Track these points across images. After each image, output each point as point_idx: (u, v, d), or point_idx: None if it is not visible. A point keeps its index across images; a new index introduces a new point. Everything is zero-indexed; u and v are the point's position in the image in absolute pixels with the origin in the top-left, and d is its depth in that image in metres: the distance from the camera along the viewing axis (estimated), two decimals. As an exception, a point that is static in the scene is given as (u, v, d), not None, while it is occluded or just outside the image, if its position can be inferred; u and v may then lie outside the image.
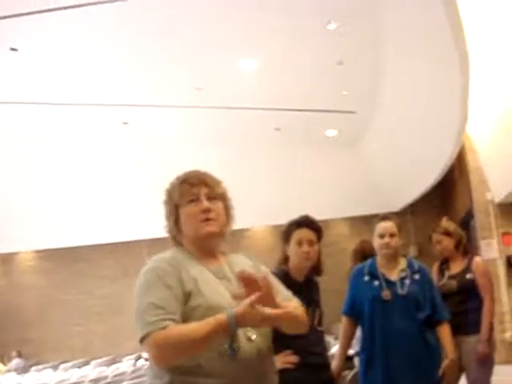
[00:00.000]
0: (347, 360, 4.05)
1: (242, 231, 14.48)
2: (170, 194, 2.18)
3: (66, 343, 16.00)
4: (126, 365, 11.15)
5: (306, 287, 3.16)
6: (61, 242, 15.40)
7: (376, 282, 3.60)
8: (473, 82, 7.68)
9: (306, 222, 3.33)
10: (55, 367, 12.90)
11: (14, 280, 16.75)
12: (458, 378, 4.16)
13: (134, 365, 11.08)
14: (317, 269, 3.37)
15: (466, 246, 4.83)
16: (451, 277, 4.62)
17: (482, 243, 10.14)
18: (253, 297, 1.77)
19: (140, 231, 15.01)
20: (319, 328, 3.25)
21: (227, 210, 2.20)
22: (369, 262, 3.75)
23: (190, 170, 2.22)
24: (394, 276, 3.60)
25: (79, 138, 13.18)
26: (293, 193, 13.85)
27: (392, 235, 3.61)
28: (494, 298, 4.67)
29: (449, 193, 13.75)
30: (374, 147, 13.15)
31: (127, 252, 16.21)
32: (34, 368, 12.80)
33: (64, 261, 16.47)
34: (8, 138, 12.49)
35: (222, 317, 1.79)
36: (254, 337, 1.96)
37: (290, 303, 2.11)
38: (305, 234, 3.29)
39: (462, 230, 11.11)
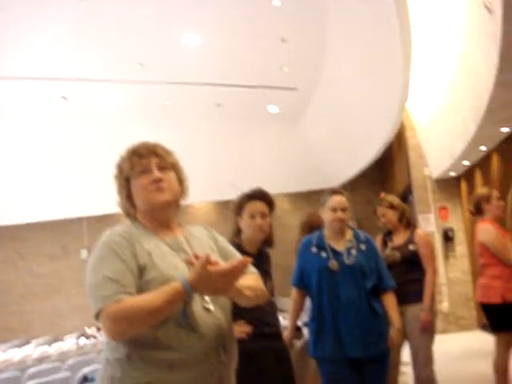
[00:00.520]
0: (296, 330, 4.12)
1: (183, 207, 14.33)
2: (120, 167, 2.11)
3: (3, 323, 15.67)
4: (68, 343, 11.01)
5: (258, 259, 3.17)
6: (-2, 220, 15.01)
7: (323, 253, 3.65)
8: (414, 62, 7.81)
9: (258, 195, 3.34)
10: (-6, 347, 12.64)
11: None
12: (401, 346, 4.28)
13: (77, 343, 10.96)
14: (269, 241, 3.41)
15: (409, 219, 4.99)
16: (394, 248, 4.76)
17: (420, 217, 10.41)
18: (201, 259, 1.75)
19: (80, 208, 14.76)
20: (271, 298, 3.29)
21: (180, 180, 2.16)
22: (316, 234, 3.78)
23: (140, 142, 2.17)
24: (340, 247, 3.65)
25: (16, 113, 12.81)
26: (234, 169, 13.87)
27: (344, 209, 3.67)
28: (435, 268, 4.83)
29: (387, 169, 14.03)
30: (315, 124, 13.25)
31: (66, 230, 15.94)
32: (-29, 349, 12.51)
33: (1, 239, 16.07)
34: None
35: (176, 284, 1.78)
36: (212, 308, 1.96)
37: (250, 276, 2.10)
38: (257, 206, 3.31)
39: (402, 204, 11.26)
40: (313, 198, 14.96)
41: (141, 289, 1.87)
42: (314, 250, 3.69)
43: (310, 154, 14.19)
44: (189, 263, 1.84)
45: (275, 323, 3.37)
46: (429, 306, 4.55)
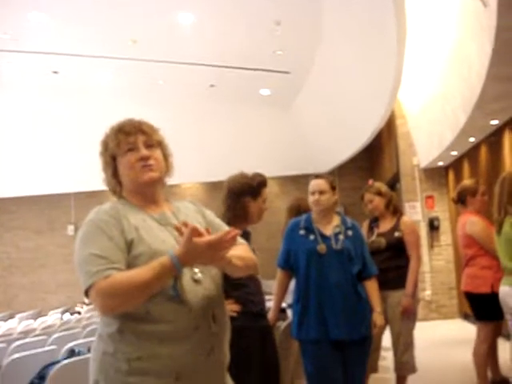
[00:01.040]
0: (281, 311, 4.17)
1: (171, 187, 14.42)
2: (105, 144, 2.11)
3: (-13, 296, 15.69)
4: (52, 318, 11.03)
5: (244, 237, 3.22)
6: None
7: (311, 236, 3.69)
8: (407, 51, 7.82)
9: (266, 182, 3.54)
10: (-22, 320, 12.64)
11: None
12: (382, 331, 4.34)
13: (61, 318, 10.99)
14: None
15: (396, 206, 5.04)
16: (380, 234, 4.83)
17: (407, 205, 10.48)
18: (187, 231, 1.76)
19: (68, 184, 14.73)
20: (257, 277, 3.34)
21: (165, 157, 2.16)
22: (304, 216, 3.83)
23: (125, 119, 2.15)
24: (328, 231, 3.70)
25: (6, 86, 12.73)
26: (224, 150, 13.87)
27: (322, 192, 3.70)
28: (420, 256, 4.90)
29: (376, 156, 14.08)
30: (307, 108, 13.26)
31: (54, 205, 15.91)
32: (-46, 321, 12.49)
33: (-14, 213, 16.03)
34: None
35: (164, 259, 1.79)
36: (200, 276, 1.97)
37: (239, 246, 2.11)
38: (266, 193, 3.52)
39: (389, 192, 11.27)
40: (301, 182, 14.98)
41: (129, 264, 1.88)
42: (301, 232, 3.73)
43: (300, 139, 14.20)
44: (178, 230, 1.84)
45: (261, 302, 3.43)
46: (411, 293, 4.62)
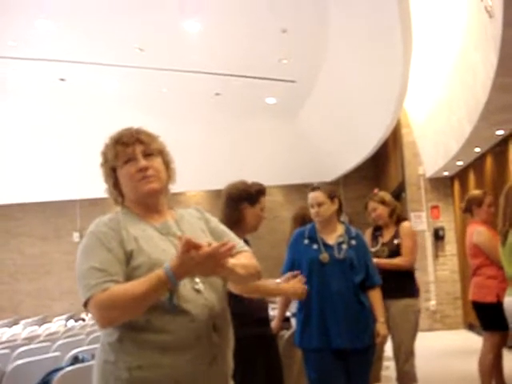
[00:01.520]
0: (285, 321, 4.18)
1: (176, 195, 14.43)
2: (105, 156, 2.11)
3: (-8, 302, 15.72)
4: (56, 325, 11.05)
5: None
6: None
7: (315, 246, 3.71)
8: (413, 60, 7.83)
9: (265, 191, 3.54)
10: (-18, 326, 12.66)
11: None
12: (385, 341, 4.34)
13: (65, 325, 11.00)
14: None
15: (400, 216, 5.03)
16: (384, 244, 4.82)
17: (412, 215, 10.47)
18: (182, 244, 1.74)
19: (74, 191, 14.76)
20: None
21: (166, 164, 2.14)
22: (309, 226, 3.84)
23: (123, 129, 2.14)
24: (331, 241, 3.71)
25: (13, 93, 12.78)
26: (229, 158, 13.88)
27: (320, 204, 3.72)
28: (411, 260, 4.88)
29: (382, 165, 14.07)
30: (312, 117, 13.27)
31: (59, 212, 15.95)
32: (-41, 326, 12.51)
33: (-7, 218, 16.08)
34: None
35: (159, 272, 1.78)
36: (201, 286, 1.96)
37: (242, 253, 2.11)
38: (265, 202, 3.52)
39: (394, 202, 11.24)
40: (306, 191, 14.90)
41: (129, 275, 1.89)
42: (305, 241, 3.75)
43: (305, 147, 14.20)
44: (179, 240, 1.82)
45: (264, 310, 3.44)
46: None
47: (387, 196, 5.05)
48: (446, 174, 10.06)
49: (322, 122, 13.12)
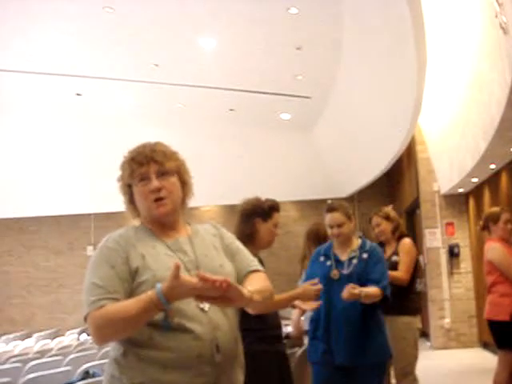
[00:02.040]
0: (298, 339, 4.18)
1: (190, 210, 14.32)
2: (122, 172, 2.13)
3: (6, 315, 15.77)
4: (69, 338, 11.07)
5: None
6: (5, 212, 15.09)
7: (328, 262, 3.74)
8: (427, 77, 7.82)
9: (278, 208, 3.56)
10: (-4, 339, 12.71)
11: (-45, 249, 16.37)
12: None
13: (78, 339, 11.01)
14: None
15: (402, 233, 5.00)
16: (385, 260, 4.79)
17: (427, 232, 10.41)
18: (175, 269, 1.71)
19: (88, 205, 14.84)
20: None
21: (184, 182, 2.15)
22: (326, 244, 3.85)
23: (140, 145, 2.14)
24: (344, 256, 3.73)
25: (29, 107, 12.92)
26: (243, 174, 13.90)
27: (340, 225, 3.71)
28: (406, 277, 4.76)
29: (396, 182, 14.02)
30: (327, 133, 13.27)
31: (74, 225, 16.02)
32: (-27, 339, 12.57)
33: (7, 231, 16.17)
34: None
35: (152, 292, 1.76)
36: (206, 306, 1.94)
37: (256, 275, 2.10)
38: (279, 218, 3.54)
39: (408, 218, 11.30)
40: (320, 206, 14.90)
41: (133, 291, 1.90)
42: (321, 258, 3.80)
43: (320, 163, 14.21)
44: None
45: (278, 326, 3.45)
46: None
47: (392, 212, 5.05)
48: (460, 190, 10.00)
49: (336, 138, 13.12)
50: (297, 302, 3.61)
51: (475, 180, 8.94)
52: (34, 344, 10.27)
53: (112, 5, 8.46)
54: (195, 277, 1.71)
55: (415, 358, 4.73)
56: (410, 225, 12.55)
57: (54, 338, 11.36)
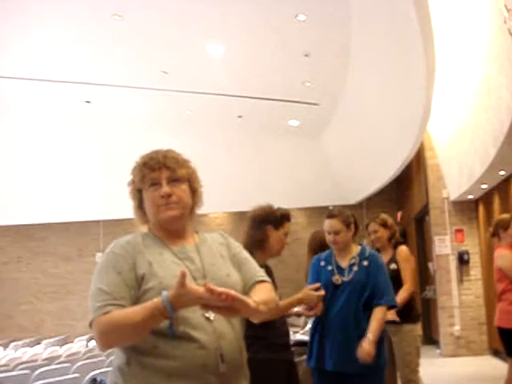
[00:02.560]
0: (304, 345, 4.16)
1: (199, 217, 14.30)
2: (132, 177, 2.12)
3: (15, 321, 15.81)
4: (78, 345, 11.07)
5: (266, 271, 3.24)
6: (14, 219, 15.15)
7: (329, 267, 3.74)
8: (436, 83, 7.81)
9: (290, 217, 3.59)
10: (5, 345, 12.73)
11: (-36, 256, 16.44)
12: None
13: (87, 345, 11.01)
14: None
15: (398, 241, 5.00)
16: None
17: (436, 239, 10.36)
18: (181, 277, 1.71)
19: (96, 212, 14.88)
20: None
21: (194, 190, 2.15)
22: (327, 252, 3.85)
23: (152, 152, 2.14)
24: (344, 263, 3.72)
25: (39, 115, 12.98)
26: (252, 180, 13.91)
27: (336, 232, 3.72)
28: (413, 286, 4.85)
29: (405, 188, 13.98)
30: (336, 140, 13.26)
31: (83, 232, 16.06)
32: (-18, 345, 12.60)
33: (17, 238, 16.23)
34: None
35: (158, 300, 1.75)
36: (212, 315, 1.93)
37: (262, 286, 2.10)
38: (289, 227, 3.57)
39: (417, 225, 11.27)
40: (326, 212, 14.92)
41: (139, 298, 1.89)
42: (322, 263, 3.80)
43: (328, 170, 14.20)
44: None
45: (286, 334, 3.44)
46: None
47: (389, 219, 5.06)
48: (470, 197, 9.96)
49: (345, 145, 13.10)
50: (301, 310, 3.61)
51: (485, 186, 8.90)
52: (42, 351, 10.28)
53: (120, 12, 8.51)
54: (202, 286, 1.71)
55: (417, 365, 4.73)
56: (419, 232, 12.51)
57: (63, 345, 11.37)
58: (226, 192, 13.64)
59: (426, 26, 6.28)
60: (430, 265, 10.97)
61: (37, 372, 5.12)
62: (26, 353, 10.04)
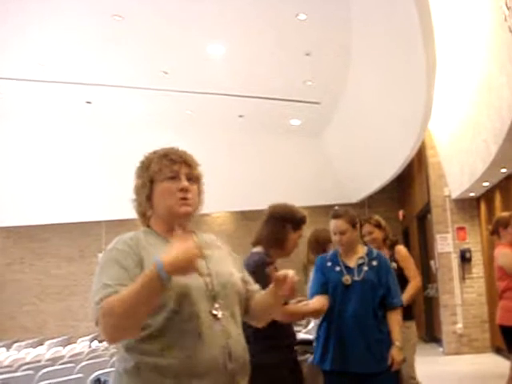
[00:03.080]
0: (307, 344, 4.14)
1: (201, 216, 14.35)
2: (145, 166, 2.11)
3: (18, 322, 15.84)
4: (81, 346, 11.09)
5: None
6: (17, 220, 15.17)
7: (337, 268, 3.70)
8: (437, 81, 7.81)
9: (306, 221, 3.57)
10: (8, 346, 12.75)
11: (-31, 257, 16.47)
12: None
13: (90, 346, 11.03)
14: None
15: (392, 241, 5.04)
16: None
17: (438, 237, 10.36)
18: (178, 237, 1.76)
19: (98, 212, 14.88)
20: None
21: (200, 192, 2.18)
22: (331, 252, 3.84)
23: (170, 147, 2.17)
24: (352, 263, 3.70)
25: (40, 115, 13.00)
26: (254, 180, 13.91)
27: (342, 233, 3.70)
28: (419, 281, 4.96)
29: (407, 187, 13.98)
30: (337, 139, 13.26)
31: (85, 233, 16.08)
32: (-15, 346, 12.62)
33: (19, 239, 16.26)
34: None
35: (150, 267, 1.73)
36: (220, 314, 1.95)
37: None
38: (303, 232, 3.55)
39: (419, 223, 11.29)
40: (331, 212, 14.92)
41: None
42: (329, 264, 3.75)
43: (330, 169, 14.19)
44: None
45: (291, 334, 3.43)
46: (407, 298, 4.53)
47: (382, 220, 5.09)
48: (471, 195, 9.96)
49: (346, 143, 13.10)
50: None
51: (486, 184, 8.90)
52: (45, 351, 10.29)
53: (121, 13, 8.52)
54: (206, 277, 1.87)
55: (414, 361, 4.78)
56: (421, 230, 12.50)
57: (66, 346, 11.39)
58: (227, 192, 13.64)
59: (426, 24, 6.29)
60: (432, 263, 10.97)
61: (40, 372, 5.13)
62: (29, 353, 10.05)
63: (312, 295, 3.78)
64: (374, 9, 7.50)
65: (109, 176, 13.46)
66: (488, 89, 6.56)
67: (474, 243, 10.31)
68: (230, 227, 15.38)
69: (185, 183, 2.07)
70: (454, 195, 10.17)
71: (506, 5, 4.73)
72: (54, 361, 7.05)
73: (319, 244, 4.60)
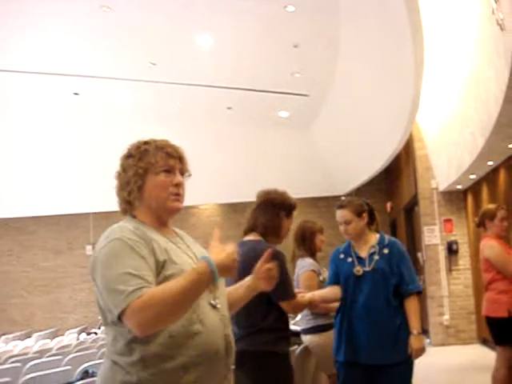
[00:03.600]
0: (295, 336, 4.16)
1: (189, 208, 14.48)
2: (140, 156, 2.08)
3: (6, 315, 15.78)
4: (68, 338, 11.07)
5: (280, 259, 3.26)
6: (4, 212, 15.08)
7: (349, 259, 3.68)
8: (425, 74, 7.83)
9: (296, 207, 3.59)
10: (-5, 338, 12.73)
11: (-47, 249, 16.37)
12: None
13: (77, 338, 11.02)
14: None
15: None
16: None
17: (425, 229, 10.41)
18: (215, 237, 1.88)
19: (87, 204, 14.83)
20: None
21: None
22: (345, 244, 3.82)
23: (163, 139, 2.16)
24: (364, 253, 3.66)
25: (27, 107, 12.91)
26: (242, 172, 13.91)
27: (347, 222, 3.68)
28: None
29: (394, 179, 14.03)
30: (325, 131, 13.28)
31: (72, 225, 16.02)
32: (-28, 339, 12.58)
33: (6, 231, 16.18)
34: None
35: (201, 265, 1.80)
36: (217, 302, 2.00)
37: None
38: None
39: (406, 215, 11.35)
40: (319, 204, 14.98)
41: (159, 284, 1.85)
42: (341, 256, 3.74)
43: (318, 161, 14.22)
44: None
45: (288, 325, 3.46)
46: None
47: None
48: (458, 187, 10.01)
49: (334, 136, 13.12)
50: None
51: (473, 177, 8.95)
52: (33, 344, 10.28)
53: (109, 4, 8.47)
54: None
55: None
56: (409, 222, 12.56)
57: (54, 338, 11.37)
58: (215, 183, 13.64)
59: (414, 17, 6.30)
60: (420, 255, 11.03)
61: (28, 365, 5.12)
62: (16, 346, 10.03)
63: (329, 283, 3.80)
64: (362, 1, 7.50)
65: (96, 168, 13.39)
66: (476, 82, 6.58)
67: (461, 235, 10.37)
68: (217, 219, 15.37)
69: (180, 179, 2.10)
70: (442, 187, 10.22)
71: (494, -2, 4.74)
72: (41, 353, 7.04)
73: (305, 236, 4.60)
